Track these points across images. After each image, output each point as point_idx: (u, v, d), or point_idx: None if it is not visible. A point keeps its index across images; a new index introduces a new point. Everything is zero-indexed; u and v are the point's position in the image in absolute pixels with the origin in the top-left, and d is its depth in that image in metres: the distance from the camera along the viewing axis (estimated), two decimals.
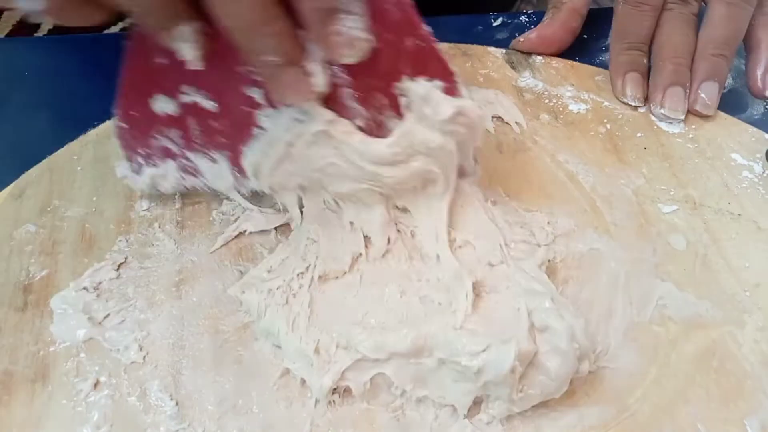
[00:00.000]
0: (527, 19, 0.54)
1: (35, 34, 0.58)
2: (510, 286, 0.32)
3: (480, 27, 0.54)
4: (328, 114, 0.32)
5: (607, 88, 0.47)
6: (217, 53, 0.31)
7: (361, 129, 0.32)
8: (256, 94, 0.32)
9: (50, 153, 0.42)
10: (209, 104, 0.34)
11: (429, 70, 0.32)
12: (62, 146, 0.42)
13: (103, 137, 0.43)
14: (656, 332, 0.34)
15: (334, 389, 0.31)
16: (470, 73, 0.48)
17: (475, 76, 0.48)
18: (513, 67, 0.49)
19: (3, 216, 0.38)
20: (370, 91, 0.32)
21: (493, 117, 0.45)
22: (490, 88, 0.47)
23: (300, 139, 0.32)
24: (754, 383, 0.32)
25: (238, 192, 0.37)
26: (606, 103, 0.46)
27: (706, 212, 0.39)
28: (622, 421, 0.30)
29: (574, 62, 0.49)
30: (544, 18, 0.50)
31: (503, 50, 0.50)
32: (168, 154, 0.36)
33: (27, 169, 0.41)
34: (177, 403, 0.31)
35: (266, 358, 0.32)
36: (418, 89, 0.32)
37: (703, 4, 0.47)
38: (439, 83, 0.32)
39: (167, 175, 0.37)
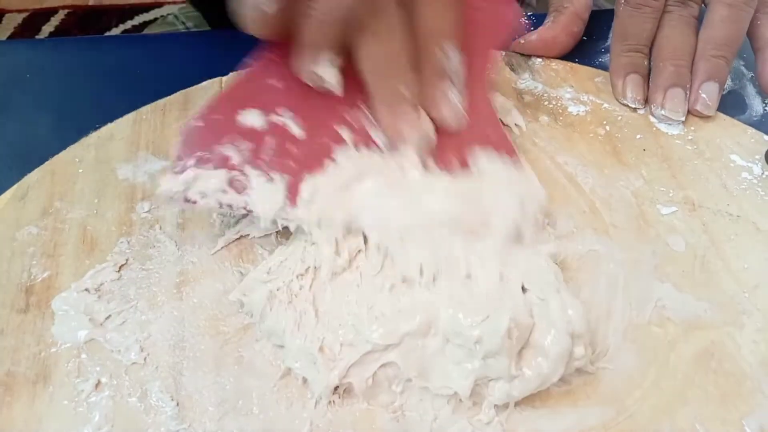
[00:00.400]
0: (527, 21, 0.54)
1: (37, 37, 0.59)
2: (513, 265, 0.33)
3: None
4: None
5: (606, 89, 0.47)
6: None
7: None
8: (344, 132, 0.36)
9: (52, 155, 0.42)
10: (297, 130, 0.36)
11: (497, 144, 0.38)
12: (64, 148, 0.42)
13: (104, 139, 0.43)
14: (655, 333, 0.34)
15: (335, 388, 0.31)
16: None
17: None
18: (512, 69, 0.49)
19: (5, 218, 0.39)
20: (446, 153, 0.37)
21: None
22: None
23: (375, 173, 0.35)
24: (753, 384, 0.32)
25: (274, 221, 0.35)
26: (605, 105, 0.46)
27: (705, 214, 0.39)
28: (621, 422, 0.30)
29: (574, 64, 0.49)
30: (546, 21, 0.50)
31: (502, 52, 0.50)
32: (224, 164, 0.35)
33: (29, 172, 0.41)
34: (178, 404, 0.31)
35: (267, 359, 0.33)
36: (485, 158, 0.37)
37: (703, 6, 0.47)
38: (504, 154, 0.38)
39: (210, 180, 0.35)
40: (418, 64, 0.36)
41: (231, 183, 0.35)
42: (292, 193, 0.35)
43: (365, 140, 0.37)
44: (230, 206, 0.35)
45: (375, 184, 0.35)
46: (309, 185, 0.35)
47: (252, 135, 0.36)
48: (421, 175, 0.36)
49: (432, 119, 0.37)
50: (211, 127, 0.36)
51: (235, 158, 0.35)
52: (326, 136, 0.36)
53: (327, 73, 0.34)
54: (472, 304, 0.31)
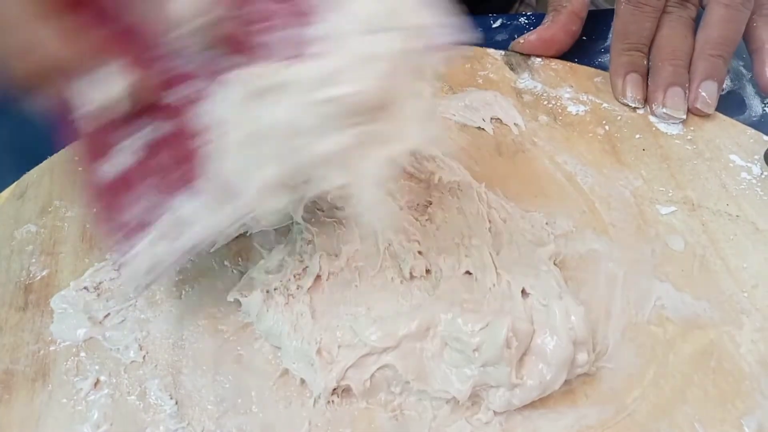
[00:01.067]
0: (526, 21, 0.54)
1: None
2: (514, 269, 0.33)
3: (479, 29, 0.54)
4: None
5: (605, 89, 0.47)
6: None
7: None
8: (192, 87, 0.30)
9: (51, 154, 0.42)
10: (166, 126, 0.31)
11: None
12: (63, 147, 0.42)
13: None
14: (654, 332, 0.34)
15: (334, 389, 0.31)
16: (469, 75, 0.48)
17: (474, 77, 0.48)
18: (512, 69, 0.49)
19: (4, 216, 0.38)
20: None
21: (492, 118, 0.45)
22: (489, 90, 0.47)
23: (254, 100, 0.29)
24: (752, 383, 0.32)
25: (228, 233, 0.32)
26: (605, 105, 0.46)
27: (704, 213, 0.39)
28: (620, 421, 0.30)
29: (573, 64, 0.49)
30: (544, 20, 0.50)
31: (502, 52, 0.50)
32: (143, 225, 0.31)
33: (28, 170, 0.41)
34: (176, 402, 0.31)
35: (266, 357, 0.33)
36: None
37: (700, 8, 0.47)
38: None
39: (151, 245, 0.31)
40: None
41: (165, 234, 0.30)
42: (218, 193, 0.30)
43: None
44: (194, 247, 0.31)
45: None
46: (228, 168, 0.29)
47: (143, 170, 0.31)
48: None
49: None
50: (110, 202, 0.32)
51: (150, 209, 0.31)
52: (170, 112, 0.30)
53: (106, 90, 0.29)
54: (472, 308, 0.31)
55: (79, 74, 0.29)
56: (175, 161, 0.31)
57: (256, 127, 0.29)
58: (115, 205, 0.31)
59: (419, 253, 0.34)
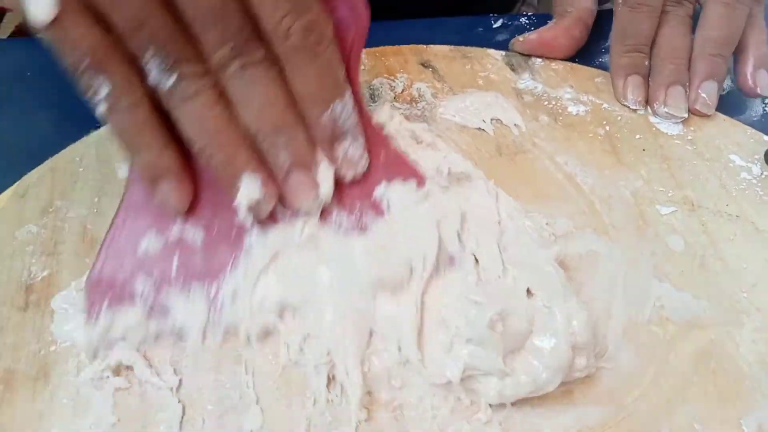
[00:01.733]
0: (527, 21, 0.55)
1: (38, 35, 0.59)
2: (520, 266, 0.33)
3: (480, 28, 0.54)
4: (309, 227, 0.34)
5: (606, 90, 0.47)
6: (203, 183, 0.34)
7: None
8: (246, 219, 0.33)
9: (52, 154, 0.42)
10: (197, 236, 0.34)
11: (402, 173, 0.36)
12: (64, 147, 0.42)
13: (105, 138, 0.43)
14: (654, 332, 0.34)
15: (330, 385, 0.31)
16: (470, 75, 0.48)
17: (474, 78, 0.48)
18: (513, 69, 0.49)
19: (5, 216, 0.39)
20: (353, 199, 0.35)
21: (492, 119, 0.45)
22: (490, 90, 0.47)
23: (287, 248, 0.34)
24: (752, 383, 0.32)
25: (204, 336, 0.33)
26: (605, 105, 0.46)
27: (704, 213, 0.39)
28: (620, 421, 0.31)
29: (574, 64, 0.49)
30: (548, 24, 0.50)
31: (503, 52, 0.50)
32: (131, 299, 0.33)
33: (29, 170, 0.41)
34: (178, 402, 0.31)
35: (266, 358, 0.33)
36: (395, 191, 0.35)
37: (697, 5, 0.47)
38: (412, 181, 0.36)
39: (128, 317, 0.33)
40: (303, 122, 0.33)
41: (150, 313, 0.33)
42: (215, 298, 0.33)
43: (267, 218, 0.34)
44: (158, 336, 0.33)
45: (288, 261, 0.34)
46: (227, 288, 0.33)
47: (155, 260, 0.33)
48: (335, 238, 0.34)
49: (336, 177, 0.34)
50: (115, 266, 0.33)
51: (143, 289, 0.33)
52: (229, 228, 0.34)
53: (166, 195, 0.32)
54: (476, 299, 0.32)
55: None
56: (189, 265, 0.34)
57: (282, 264, 0.33)
58: (117, 280, 0.33)
59: None
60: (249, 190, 0.32)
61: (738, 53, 0.46)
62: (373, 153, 0.36)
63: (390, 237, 0.34)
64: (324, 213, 0.34)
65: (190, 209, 0.34)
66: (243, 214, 0.33)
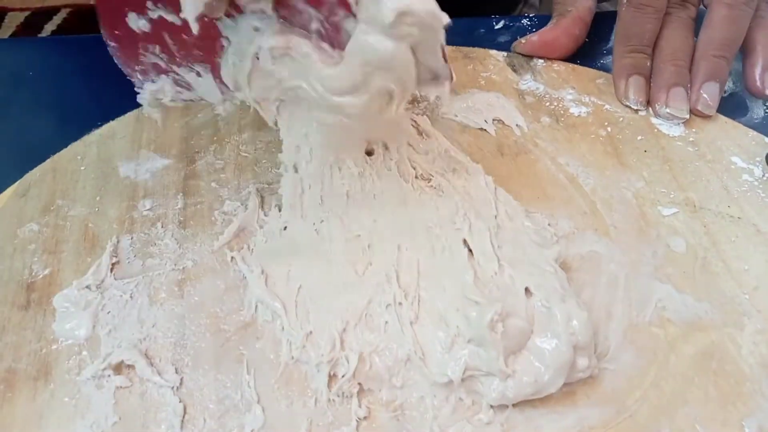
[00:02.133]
0: (529, 23, 0.55)
1: (39, 35, 0.59)
2: (518, 266, 0.33)
3: (482, 30, 0.54)
4: (282, 28, 0.31)
5: (608, 91, 0.47)
6: None
7: (319, 35, 0.31)
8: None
9: (54, 153, 0.42)
10: (174, 18, 0.33)
11: None
12: (65, 146, 0.42)
13: (106, 137, 0.43)
14: (655, 334, 0.34)
15: (331, 383, 0.31)
16: (471, 76, 0.48)
17: (476, 78, 0.48)
18: (514, 70, 0.49)
19: (7, 215, 0.39)
20: None
21: (494, 119, 0.45)
22: (492, 91, 0.47)
23: (262, 53, 0.32)
24: (753, 385, 0.32)
25: (231, 101, 0.37)
26: (607, 106, 0.46)
27: (705, 215, 0.39)
28: (621, 422, 0.31)
29: (576, 65, 0.49)
30: (548, 24, 0.50)
31: (505, 53, 0.50)
32: (159, 69, 0.36)
33: (30, 169, 0.41)
34: (179, 401, 0.31)
35: (267, 357, 0.33)
36: None
37: (702, 7, 0.47)
38: None
39: (165, 89, 0.36)
40: None
41: (178, 83, 0.36)
42: (221, 80, 0.35)
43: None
44: (191, 100, 0.36)
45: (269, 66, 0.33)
46: (225, 75, 0.34)
47: (150, 37, 0.34)
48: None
49: None
50: (121, 43, 0.35)
51: (161, 63, 0.35)
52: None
53: None
54: (470, 293, 0.32)
55: None
56: (184, 44, 0.34)
57: (264, 68, 0.32)
58: (131, 52, 0.35)
59: None
60: None
61: (746, 55, 0.47)
62: None
63: (365, 62, 0.30)
64: (288, 3, 0.31)
65: None
66: None
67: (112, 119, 0.44)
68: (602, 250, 0.37)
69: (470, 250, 0.34)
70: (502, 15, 0.56)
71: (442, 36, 0.31)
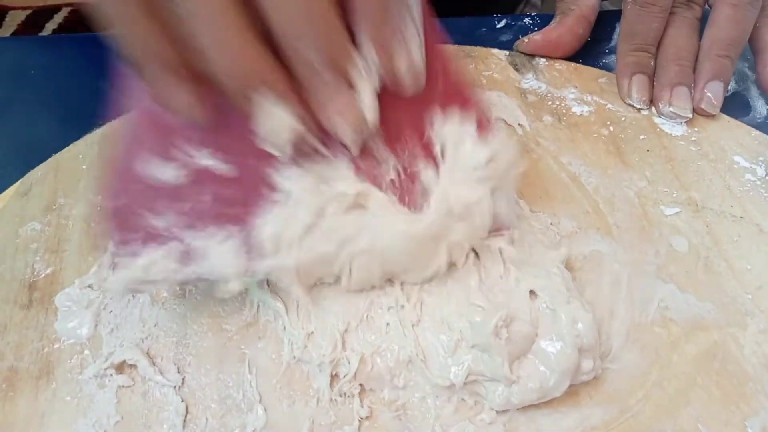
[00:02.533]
0: (531, 22, 0.54)
1: (40, 34, 0.59)
2: (523, 267, 0.33)
3: (484, 29, 0.54)
4: (360, 182, 0.29)
5: (610, 90, 0.47)
6: (226, 109, 0.26)
7: (393, 184, 0.29)
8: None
9: (56, 152, 0.42)
10: (223, 168, 0.28)
11: (461, 103, 0.28)
12: (67, 145, 0.42)
13: (108, 136, 0.43)
14: (658, 333, 0.34)
15: (332, 383, 0.31)
16: (473, 75, 0.48)
17: (478, 77, 0.48)
18: (516, 69, 0.49)
19: (9, 214, 0.39)
20: (401, 136, 0.28)
21: (496, 118, 0.45)
22: (494, 90, 0.47)
23: (332, 206, 0.29)
24: (756, 385, 0.32)
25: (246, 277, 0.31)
26: (609, 106, 0.46)
27: (708, 215, 0.39)
28: (623, 422, 0.30)
29: (578, 64, 0.49)
30: (551, 23, 0.50)
31: (507, 52, 0.50)
32: (154, 238, 0.29)
33: (33, 168, 0.41)
34: (181, 400, 0.31)
35: (269, 356, 0.33)
36: (452, 133, 0.29)
37: (707, 7, 0.47)
38: (471, 125, 0.29)
39: (156, 265, 0.30)
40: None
41: (178, 258, 0.30)
42: (251, 244, 0.30)
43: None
44: (185, 282, 0.30)
45: (336, 219, 0.30)
46: (268, 232, 0.29)
47: (176, 193, 0.29)
48: (384, 209, 0.30)
49: (384, 73, 0.27)
50: (130, 200, 0.30)
51: (165, 228, 0.29)
52: (257, 162, 0.28)
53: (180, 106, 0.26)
54: (475, 297, 0.32)
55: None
56: (223, 200, 0.29)
57: (329, 224, 0.30)
58: (135, 209, 0.30)
59: None
60: (274, 117, 0.26)
61: (758, 53, 0.46)
62: (429, 69, 0.27)
63: (448, 211, 0.30)
64: (368, 151, 0.28)
65: (211, 137, 0.28)
66: (273, 146, 0.27)
67: (114, 118, 0.44)
68: (605, 250, 0.37)
69: (476, 253, 0.34)
70: (504, 14, 0.56)
71: (513, 187, 0.31)
